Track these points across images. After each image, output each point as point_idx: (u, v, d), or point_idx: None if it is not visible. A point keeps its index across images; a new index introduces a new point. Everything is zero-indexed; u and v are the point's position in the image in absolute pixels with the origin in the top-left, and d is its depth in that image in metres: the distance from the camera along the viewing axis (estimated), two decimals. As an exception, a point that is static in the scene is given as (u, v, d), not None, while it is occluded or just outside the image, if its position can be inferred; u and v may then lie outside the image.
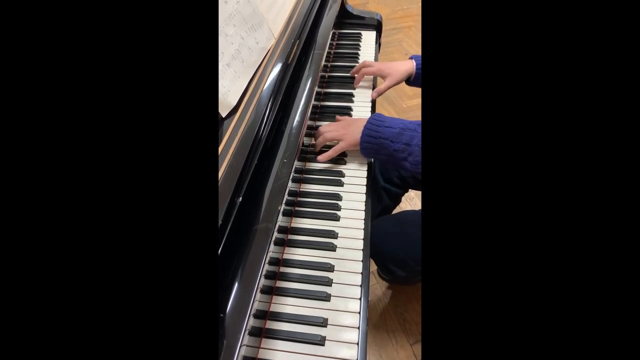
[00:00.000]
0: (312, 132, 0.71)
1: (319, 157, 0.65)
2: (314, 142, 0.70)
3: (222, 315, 0.32)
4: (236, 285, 0.34)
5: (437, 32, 0.27)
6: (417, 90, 1.91)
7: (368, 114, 0.79)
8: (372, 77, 0.87)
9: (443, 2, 0.27)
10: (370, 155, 0.63)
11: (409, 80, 0.81)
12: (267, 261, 0.37)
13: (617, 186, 0.24)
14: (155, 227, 0.24)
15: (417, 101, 1.88)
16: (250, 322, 0.33)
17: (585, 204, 0.24)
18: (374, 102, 0.86)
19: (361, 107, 0.82)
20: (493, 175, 0.26)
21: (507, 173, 0.26)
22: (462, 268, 0.26)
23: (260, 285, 0.36)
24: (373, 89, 0.84)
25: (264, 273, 0.37)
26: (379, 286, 1.19)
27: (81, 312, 0.24)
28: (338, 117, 0.74)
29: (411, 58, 0.81)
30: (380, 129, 0.58)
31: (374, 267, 1.22)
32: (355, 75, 0.84)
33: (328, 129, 0.66)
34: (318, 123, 0.76)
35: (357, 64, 0.91)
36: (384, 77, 0.80)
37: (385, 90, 0.79)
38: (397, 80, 0.78)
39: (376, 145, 0.59)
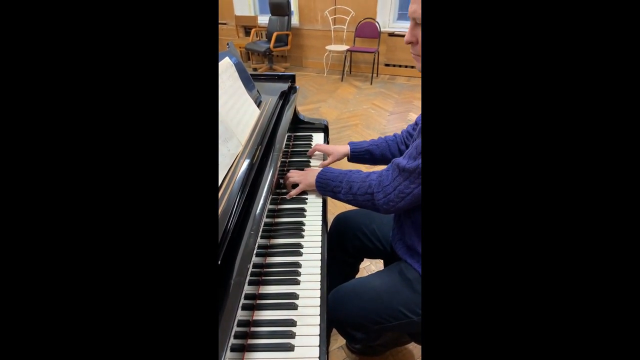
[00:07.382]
0: (274, 213, 0.88)
1: (288, 195, 0.96)
2: (275, 221, 0.86)
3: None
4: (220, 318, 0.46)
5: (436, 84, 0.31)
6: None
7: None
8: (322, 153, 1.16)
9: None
10: (321, 191, 0.91)
11: (348, 158, 1.12)
12: (240, 304, 0.49)
13: (612, 192, 0.23)
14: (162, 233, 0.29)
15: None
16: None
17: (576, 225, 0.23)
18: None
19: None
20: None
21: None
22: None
23: (236, 323, 0.47)
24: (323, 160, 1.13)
25: (238, 314, 0.48)
26: (349, 360, 1.22)
27: (83, 315, 0.25)
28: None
29: (348, 144, 1.11)
30: (327, 174, 0.89)
31: (343, 341, 1.26)
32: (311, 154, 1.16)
33: (293, 174, 0.97)
34: (280, 206, 0.93)
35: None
36: (328, 155, 1.12)
37: (329, 164, 1.09)
38: (337, 158, 1.11)
39: (324, 184, 0.89)
